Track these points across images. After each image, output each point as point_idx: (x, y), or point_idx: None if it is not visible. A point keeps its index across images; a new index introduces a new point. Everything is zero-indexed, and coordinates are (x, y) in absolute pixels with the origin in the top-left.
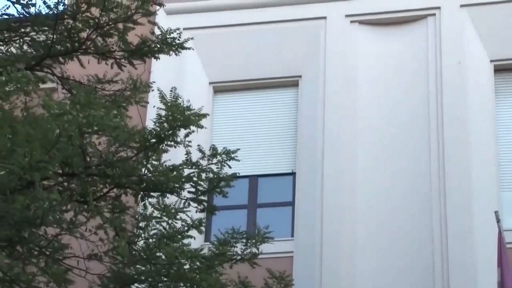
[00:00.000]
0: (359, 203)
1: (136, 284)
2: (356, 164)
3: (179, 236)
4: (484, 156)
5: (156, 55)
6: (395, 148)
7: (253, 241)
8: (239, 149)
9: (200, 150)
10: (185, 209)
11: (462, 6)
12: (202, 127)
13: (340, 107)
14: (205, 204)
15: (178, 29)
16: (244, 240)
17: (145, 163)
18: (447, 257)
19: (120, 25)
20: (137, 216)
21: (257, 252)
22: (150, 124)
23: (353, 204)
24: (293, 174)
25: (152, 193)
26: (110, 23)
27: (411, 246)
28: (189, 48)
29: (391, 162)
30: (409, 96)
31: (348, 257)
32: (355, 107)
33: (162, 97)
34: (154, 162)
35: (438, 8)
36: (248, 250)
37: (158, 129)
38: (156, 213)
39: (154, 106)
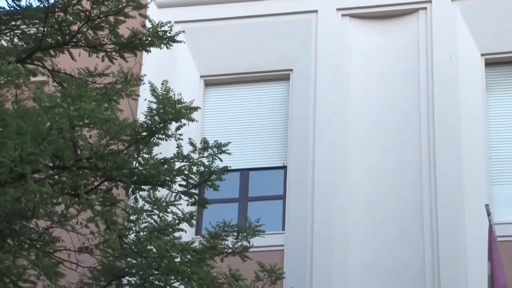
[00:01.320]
0: (351, 197)
1: (127, 277)
2: (348, 158)
3: (170, 229)
4: (475, 150)
5: (147, 48)
6: (386, 142)
7: (244, 234)
8: (230, 142)
9: (191, 143)
10: (176, 203)
11: (453, 0)
12: (193, 120)
13: (331, 100)
14: (196, 197)
15: (169, 22)
16: (235, 234)
17: (136, 156)
18: (437, 250)
19: (111, 18)
20: (128, 209)
21: (248, 245)
22: (141, 117)
23: (345, 198)
24: (284, 167)
25: (143, 186)
26: (101, 16)
27: (402, 240)
28: (180, 41)
29: (383, 157)
30: (400, 90)
31: (339, 251)
32: (346, 101)
33: (153, 90)
34: (145, 155)
35: (429, 1)
36: (239, 244)
37: (149, 122)
38: (147, 206)
39: (145, 99)
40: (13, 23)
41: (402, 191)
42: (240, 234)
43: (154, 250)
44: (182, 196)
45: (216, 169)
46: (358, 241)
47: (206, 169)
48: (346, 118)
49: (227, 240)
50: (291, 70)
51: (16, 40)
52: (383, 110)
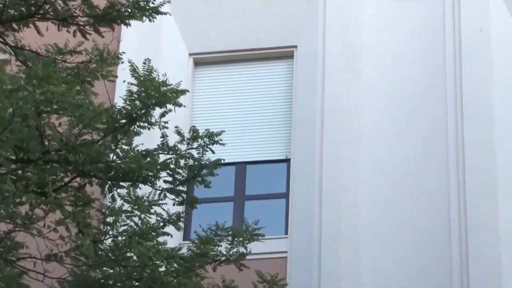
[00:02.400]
0: (364, 195)
1: None
2: (361, 148)
3: (153, 234)
4: (509, 132)
5: (127, 21)
6: (405, 131)
7: (241, 239)
8: (224, 131)
9: (179, 133)
10: (160, 202)
11: None
12: (180, 105)
13: (341, 83)
14: (184, 195)
15: None
16: (229, 238)
17: (113, 147)
18: (466, 254)
19: None
20: (104, 210)
21: (245, 252)
22: (119, 102)
23: (357, 195)
24: (287, 160)
25: (121, 183)
26: None
27: (425, 243)
28: (165, 13)
29: (402, 147)
30: (422, 70)
31: (351, 258)
32: (359, 82)
33: (133, 70)
34: (124, 147)
35: None
36: (235, 250)
37: (129, 108)
38: (126, 206)
39: (124, 81)
40: None
41: (425, 187)
42: (236, 239)
43: (135, 257)
44: (168, 195)
45: (207, 162)
46: (373, 246)
47: (196, 163)
48: (359, 103)
49: (221, 245)
50: (295, 47)
51: None
52: (402, 93)
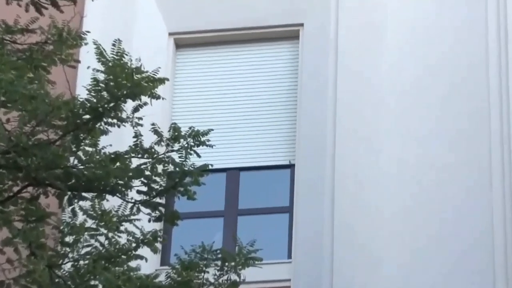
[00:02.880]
0: (386, 206)
1: None
2: (381, 147)
3: (123, 257)
4: None
5: None
6: (437, 123)
7: (232, 264)
8: (212, 129)
9: (156, 131)
10: (132, 217)
11: None
12: (158, 97)
13: (358, 67)
14: (162, 209)
15: None
16: (219, 263)
17: (74, 149)
18: None
19: None
20: (62, 227)
21: (238, 280)
22: (82, 93)
23: (380, 209)
24: (291, 166)
25: (84, 194)
26: None
27: (463, 260)
28: None
29: (432, 143)
30: (460, 50)
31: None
32: (378, 67)
33: (100, 53)
34: (87, 149)
35: None
36: (225, 277)
37: (95, 101)
38: (90, 223)
39: (88, 67)
40: None
41: (462, 193)
42: (227, 264)
43: (100, 287)
44: (142, 208)
45: (191, 168)
46: (396, 276)
47: (177, 169)
48: (379, 92)
49: (207, 272)
50: (301, 25)
51: None
52: (432, 80)
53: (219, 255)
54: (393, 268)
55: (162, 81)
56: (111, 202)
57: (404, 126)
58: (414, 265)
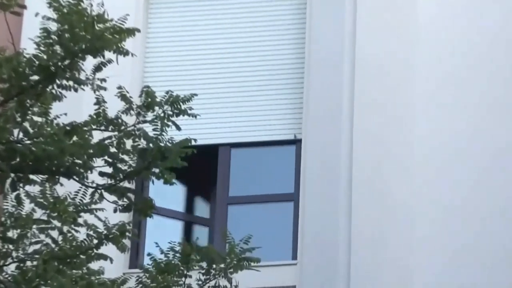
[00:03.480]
0: (415, 194)
1: None
2: (411, 125)
3: (82, 257)
4: None
5: None
6: (479, 103)
7: (222, 266)
8: (196, 95)
9: (124, 97)
10: (94, 206)
11: None
12: (127, 53)
13: (381, 25)
14: (132, 197)
15: None
16: (204, 265)
17: (19, 119)
18: None
19: None
20: (3, 219)
21: (228, 286)
22: (29, 48)
23: (406, 195)
24: (296, 142)
25: (32, 176)
26: None
27: (502, 265)
28: None
29: (468, 130)
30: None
31: None
32: (407, 24)
33: None
34: (36, 119)
35: None
36: (213, 283)
37: (45, 57)
38: (39, 214)
39: (37, 14)
40: None
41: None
42: (215, 266)
43: None
44: (106, 195)
45: (169, 144)
46: (428, 274)
47: (151, 145)
48: (408, 59)
49: (190, 276)
50: None
51: None
52: (475, 52)
53: (205, 255)
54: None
55: (131, 32)
56: (66, 187)
57: (440, 106)
58: (448, 271)
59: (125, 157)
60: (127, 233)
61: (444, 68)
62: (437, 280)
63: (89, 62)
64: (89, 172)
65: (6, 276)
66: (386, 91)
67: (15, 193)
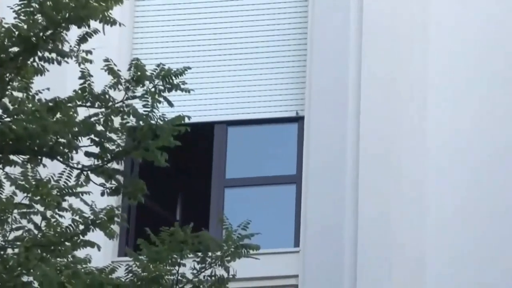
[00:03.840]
0: (427, 174)
1: None
2: (424, 101)
3: (67, 244)
4: None
5: None
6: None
7: (219, 253)
8: (189, 68)
9: (111, 70)
10: (80, 190)
11: None
12: (114, 23)
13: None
14: (121, 179)
15: None
16: (200, 253)
17: None
18: None
19: None
20: None
21: (225, 275)
22: (8, 17)
23: (417, 175)
24: (298, 119)
25: (12, 156)
26: None
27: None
28: None
29: (484, 118)
30: None
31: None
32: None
33: None
34: (16, 94)
35: None
36: (208, 272)
37: (25, 27)
38: (20, 197)
39: None
40: None
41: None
42: (211, 254)
43: (36, 284)
44: (93, 177)
45: (160, 121)
46: (440, 262)
47: (141, 122)
48: (417, 27)
49: (184, 265)
50: None
51: None
52: (493, 34)
53: (200, 242)
54: (438, 262)
55: (118, 0)
56: (50, 169)
57: (458, 88)
58: (461, 264)
59: (113, 136)
60: (115, 218)
61: (457, 49)
62: (450, 268)
63: (73, 33)
64: (74, 152)
65: None
66: (394, 64)
67: None
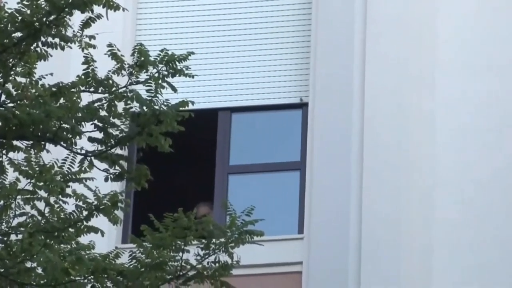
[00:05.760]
0: (435, 160)
1: None
2: (433, 82)
3: (71, 230)
4: None
5: None
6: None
7: (222, 240)
8: (193, 53)
9: (115, 55)
10: (83, 176)
11: None
12: (118, 8)
13: None
14: (125, 165)
15: None
16: (203, 239)
17: (1, 80)
18: None
19: None
20: None
21: (229, 262)
22: (11, 2)
23: (425, 162)
24: (302, 105)
25: (15, 142)
26: None
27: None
28: None
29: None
30: None
31: (413, 275)
32: None
33: None
34: (19, 79)
35: None
36: (212, 258)
37: (28, 12)
38: (23, 183)
39: None
40: None
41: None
42: (214, 240)
43: (39, 270)
44: (97, 163)
45: (164, 107)
46: (448, 251)
47: (145, 108)
48: (425, 14)
49: (188, 251)
50: None
51: None
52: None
53: (204, 228)
54: (445, 251)
55: None
56: (53, 155)
57: (470, 74)
58: (466, 254)
59: (117, 121)
60: (119, 204)
61: (464, 36)
62: (457, 255)
63: (77, 18)
64: (77, 137)
65: None
66: (400, 49)
67: None
